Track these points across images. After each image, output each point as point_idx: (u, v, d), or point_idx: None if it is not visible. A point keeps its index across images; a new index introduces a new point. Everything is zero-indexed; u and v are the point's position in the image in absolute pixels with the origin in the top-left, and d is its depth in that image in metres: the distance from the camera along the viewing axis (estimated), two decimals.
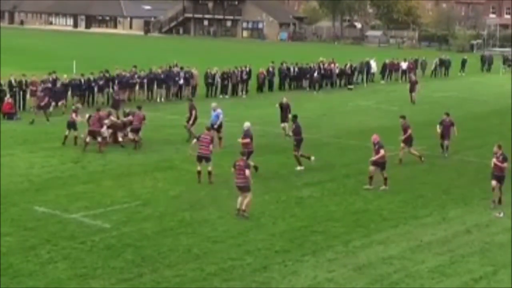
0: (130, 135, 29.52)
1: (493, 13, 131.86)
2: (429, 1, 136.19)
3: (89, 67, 45.37)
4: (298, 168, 26.59)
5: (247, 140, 25.52)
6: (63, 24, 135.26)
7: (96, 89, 40.49)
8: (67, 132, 29.50)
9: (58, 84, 38.22)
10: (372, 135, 25.07)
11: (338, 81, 54.09)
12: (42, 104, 34.77)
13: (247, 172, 20.54)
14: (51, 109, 36.33)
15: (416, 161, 28.94)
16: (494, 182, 22.41)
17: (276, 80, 50.37)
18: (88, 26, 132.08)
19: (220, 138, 29.33)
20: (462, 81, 61.69)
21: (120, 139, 29.55)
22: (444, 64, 65.28)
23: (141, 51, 78.87)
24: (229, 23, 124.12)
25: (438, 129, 29.85)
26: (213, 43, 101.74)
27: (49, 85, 37.78)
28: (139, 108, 30.52)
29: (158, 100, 43.02)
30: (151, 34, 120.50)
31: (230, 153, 26.60)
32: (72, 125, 29.43)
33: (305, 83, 52.04)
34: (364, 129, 34.28)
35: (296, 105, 41.76)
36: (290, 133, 27.77)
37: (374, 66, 58.34)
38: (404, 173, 27.13)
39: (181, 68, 45.12)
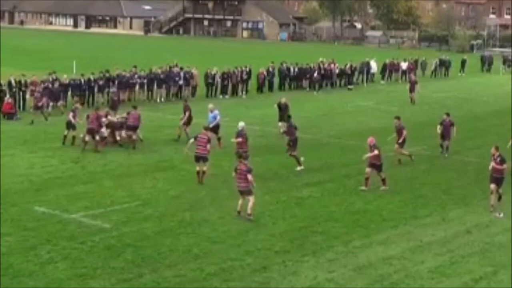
0: (124, 133, 29.50)
1: (493, 13, 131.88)
2: (429, 1, 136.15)
3: (89, 67, 45.37)
4: (298, 168, 26.59)
5: (239, 139, 25.51)
6: (63, 24, 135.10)
7: (96, 89, 40.48)
8: (66, 132, 29.51)
9: (56, 84, 38.18)
10: (370, 136, 25.02)
11: (338, 81, 54.09)
12: (40, 104, 34.77)
13: (250, 176, 20.44)
14: (49, 109, 36.38)
15: (416, 161, 28.94)
16: (492, 186, 22.19)
17: (276, 80, 50.36)
18: (88, 26, 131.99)
19: (219, 139, 29.32)
20: (462, 82, 61.70)
21: (117, 138, 29.58)
22: (444, 65, 65.28)
23: (141, 51, 78.85)
24: (229, 23, 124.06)
25: (439, 129, 29.84)
26: (213, 43, 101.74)
27: (49, 85, 37.79)
28: (135, 107, 30.62)
29: (158, 100, 43.02)
30: (151, 34, 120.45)
31: (230, 153, 26.60)
32: (71, 125, 29.44)
33: (305, 83, 52.04)
34: (364, 129, 34.28)
35: (296, 105, 41.81)
36: (282, 131, 27.76)
37: (374, 66, 58.33)
38: (404, 173, 27.13)
39: (181, 68, 45.11)
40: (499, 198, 22.50)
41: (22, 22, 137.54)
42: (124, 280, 16.20)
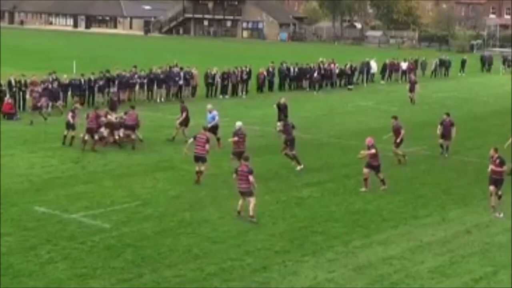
0: (121, 133, 29.50)
1: (493, 13, 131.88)
2: (429, 2, 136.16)
3: (89, 67, 45.37)
4: (298, 168, 26.58)
5: (235, 138, 25.51)
6: (63, 24, 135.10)
7: (96, 89, 40.49)
8: (66, 132, 29.52)
9: (55, 84, 38.17)
10: (369, 136, 24.99)
11: (338, 81, 54.09)
12: (39, 104, 34.79)
13: (251, 178, 20.39)
14: (49, 109, 36.42)
15: (416, 161, 28.96)
16: (491, 187, 22.06)
17: (276, 80, 50.37)
18: (88, 26, 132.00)
19: (218, 139, 29.29)
20: (462, 82, 61.70)
21: (116, 136, 29.59)
22: (444, 65, 65.28)
23: (141, 51, 78.86)
24: (229, 23, 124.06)
25: (439, 129, 29.81)
26: (213, 43, 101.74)
27: (49, 85, 37.80)
28: (133, 107, 30.69)
29: (158, 100, 43.02)
30: (151, 34, 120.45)
31: (228, 153, 26.53)
32: (70, 125, 29.47)
33: (305, 83, 52.03)
34: (364, 129, 34.27)
35: (296, 105, 41.82)
36: (278, 130, 27.77)
37: (374, 66, 58.33)
38: (404, 173, 27.13)
39: (181, 68, 45.11)
40: (499, 197, 22.45)
41: (22, 22, 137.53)
42: (124, 280, 16.20)
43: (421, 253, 18.62)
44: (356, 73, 55.79)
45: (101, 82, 40.45)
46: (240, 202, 20.70)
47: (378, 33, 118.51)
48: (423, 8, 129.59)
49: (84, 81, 40.06)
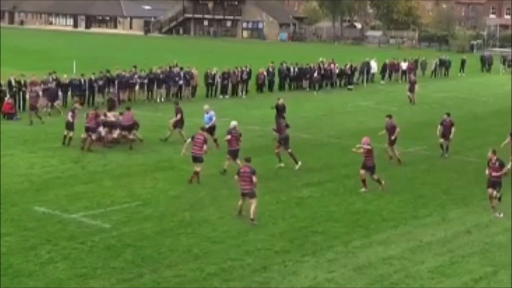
0: (116, 134, 29.50)
1: (493, 13, 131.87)
2: (429, 2, 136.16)
3: (89, 67, 45.37)
4: (297, 166, 26.53)
5: (228, 137, 25.51)
6: (63, 24, 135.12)
7: (96, 89, 40.50)
8: (66, 132, 29.53)
9: (53, 84, 38.18)
10: (367, 136, 24.98)
11: (338, 81, 54.09)
12: (38, 105, 34.81)
13: (254, 178, 20.32)
14: (49, 109, 36.43)
15: (416, 161, 28.97)
16: (490, 190, 21.96)
17: (276, 80, 50.37)
18: (88, 26, 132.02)
19: (215, 140, 29.22)
20: (462, 82, 61.70)
21: (114, 135, 29.60)
22: (444, 65, 65.29)
23: (141, 51, 78.86)
24: (229, 23, 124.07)
25: (439, 130, 29.78)
26: (213, 43, 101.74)
27: (49, 85, 37.83)
28: (128, 108, 30.74)
29: (158, 100, 43.01)
30: (151, 34, 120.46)
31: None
32: (69, 126, 29.49)
33: (305, 83, 52.03)
34: (364, 129, 34.23)
35: (296, 105, 41.85)
36: (272, 129, 27.73)
37: (374, 66, 58.34)
38: (404, 173, 27.14)
39: (181, 68, 45.11)
40: (499, 199, 22.39)
41: (22, 22, 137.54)
42: (124, 280, 16.20)
43: (421, 253, 18.62)
44: (356, 73, 55.78)
45: (100, 82, 40.45)
46: (240, 202, 20.68)
47: (378, 33, 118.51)
48: (423, 8, 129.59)
49: (84, 81, 40.07)
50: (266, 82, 49.46)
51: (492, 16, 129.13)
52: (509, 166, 24.24)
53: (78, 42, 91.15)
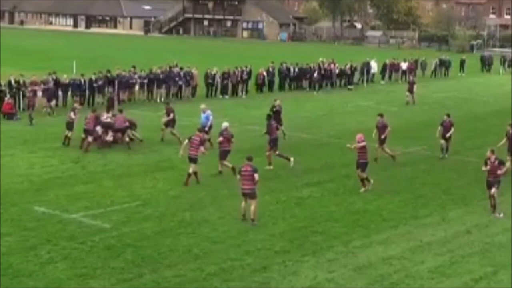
0: (110, 136, 29.51)
1: (493, 13, 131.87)
2: (429, 2, 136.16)
3: (89, 67, 45.38)
4: (267, 167, 26.31)
5: (220, 138, 25.46)
6: (63, 24, 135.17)
7: (96, 89, 40.51)
8: (66, 132, 29.54)
9: (51, 84, 38.21)
10: (359, 133, 24.96)
11: (338, 81, 54.09)
12: (33, 103, 34.86)
13: (256, 176, 20.23)
14: (48, 109, 36.46)
15: (416, 161, 28.96)
16: (489, 190, 21.94)
17: (276, 80, 50.36)
18: (88, 26, 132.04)
19: (209, 140, 29.08)
20: (462, 82, 61.69)
21: (107, 138, 29.57)
22: (444, 65, 65.29)
23: (141, 51, 78.86)
24: (229, 23, 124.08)
25: (439, 130, 29.71)
26: (213, 43, 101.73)
27: (49, 85, 37.87)
28: (121, 111, 30.75)
29: (158, 100, 43.01)
30: (151, 34, 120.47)
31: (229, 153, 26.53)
32: (69, 126, 29.51)
33: (305, 83, 52.04)
34: (364, 129, 34.09)
35: (296, 105, 41.87)
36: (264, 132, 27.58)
37: (374, 66, 58.34)
38: (404, 173, 27.13)
39: (181, 68, 45.12)
40: (492, 196, 22.21)
41: (22, 22, 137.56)
42: (124, 280, 16.20)
43: (421, 253, 18.62)
44: (357, 73, 55.78)
45: (100, 82, 40.46)
46: (243, 204, 20.49)
47: (378, 33, 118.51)
48: (423, 8, 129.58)
49: (84, 81, 40.08)
50: (266, 82, 49.46)
51: (492, 16, 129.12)
52: (508, 165, 24.24)
53: (78, 42, 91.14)
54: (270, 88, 49.66)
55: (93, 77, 40.42)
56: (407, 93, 45.95)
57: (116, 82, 41.19)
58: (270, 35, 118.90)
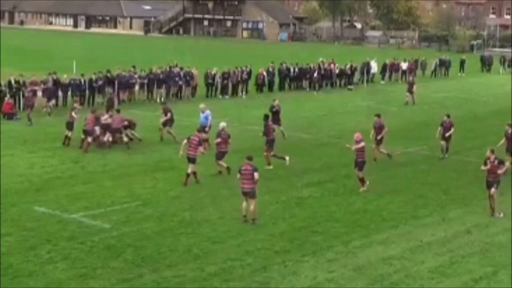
0: (105, 137, 29.51)
1: (493, 13, 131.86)
2: (429, 2, 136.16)
3: (89, 67, 45.37)
4: (266, 167, 26.31)
5: (218, 140, 25.45)
6: (63, 24, 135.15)
7: (96, 89, 40.51)
8: (67, 132, 29.54)
9: (49, 84, 38.21)
10: (357, 132, 24.95)
11: (338, 81, 54.10)
12: (31, 103, 34.87)
13: (256, 175, 20.19)
14: (48, 109, 36.46)
15: (416, 161, 28.97)
16: (488, 191, 21.92)
17: (276, 80, 50.35)
18: (88, 26, 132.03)
19: (206, 140, 29.07)
20: (462, 82, 61.69)
21: (105, 139, 29.56)
22: (444, 65, 65.30)
23: (141, 51, 78.84)
24: (229, 23, 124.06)
25: (439, 131, 29.68)
26: (213, 43, 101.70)
27: (49, 85, 37.88)
28: (118, 111, 30.80)
29: (158, 100, 42.98)
30: (151, 34, 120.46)
31: (230, 153, 26.52)
32: (69, 126, 29.51)
33: (305, 83, 52.05)
34: (364, 130, 34.18)
35: (296, 105, 41.87)
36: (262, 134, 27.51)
37: (374, 66, 58.34)
38: (404, 173, 27.13)
39: (181, 68, 45.12)
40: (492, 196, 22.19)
41: (22, 22, 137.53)
42: (124, 280, 16.19)
43: (421, 253, 18.61)
44: (357, 73, 55.78)
45: (100, 82, 40.46)
46: (244, 205, 20.44)
47: (378, 33, 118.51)
48: (423, 8, 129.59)
49: (84, 81, 40.09)
50: (266, 82, 49.46)
51: (492, 16, 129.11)
52: (507, 164, 24.23)
53: (78, 42, 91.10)
54: (270, 88, 49.66)
55: (93, 77, 40.44)
56: (407, 94, 45.94)
57: (116, 82, 41.21)
58: (270, 35, 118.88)
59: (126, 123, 30.25)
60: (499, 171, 21.96)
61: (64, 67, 45.93)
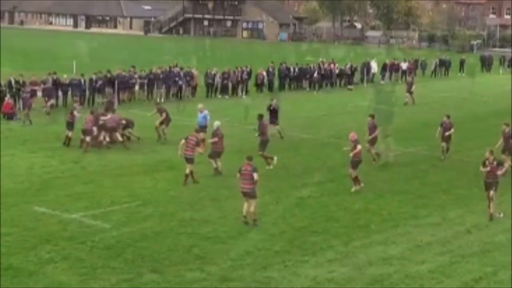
0: (101, 137, 29.50)
1: (493, 13, 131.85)
2: (429, 2, 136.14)
3: (89, 67, 45.36)
4: (267, 167, 26.29)
5: (214, 139, 25.44)
6: (63, 24, 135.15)
7: (96, 89, 40.52)
8: (67, 132, 29.54)
9: (49, 83, 38.20)
10: (351, 132, 24.95)
11: (338, 81, 54.11)
12: (29, 103, 34.91)
13: (255, 175, 20.16)
14: (48, 109, 36.47)
15: (416, 161, 28.97)
16: (487, 193, 21.84)
17: (276, 80, 50.35)
18: (88, 26, 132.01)
19: (203, 140, 29.01)
20: (462, 82, 61.68)
21: (101, 138, 29.56)
22: (444, 65, 65.32)
23: (141, 51, 78.82)
24: (229, 23, 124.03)
25: (439, 131, 29.67)
26: (213, 43, 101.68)
27: (49, 85, 37.89)
28: (114, 111, 30.78)
29: (158, 100, 42.95)
30: (151, 34, 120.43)
31: (229, 153, 26.55)
32: (69, 125, 29.52)
33: (305, 83, 52.06)
34: (364, 130, 34.24)
35: (296, 105, 41.87)
36: (257, 134, 27.41)
37: (374, 66, 58.35)
38: (404, 173, 27.13)
39: (181, 68, 45.13)
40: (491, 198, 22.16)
41: (22, 22, 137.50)
42: (124, 280, 16.19)
43: (421, 253, 18.61)
44: (357, 73, 55.79)
45: (100, 82, 40.46)
46: (245, 206, 20.33)
47: (378, 33, 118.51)
48: (423, 8, 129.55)
49: (84, 81, 40.10)
50: (266, 82, 49.46)
51: (492, 16, 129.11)
52: (506, 165, 24.23)
53: (78, 42, 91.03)
54: (270, 88, 49.66)
55: (93, 77, 40.44)
56: (406, 94, 45.95)
57: (116, 82, 41.21)
58: (270, 35, 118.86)
59: (123, 122, 30.23)
60: (499, 172, 21.95)
61: (64, 67, 45.94)
